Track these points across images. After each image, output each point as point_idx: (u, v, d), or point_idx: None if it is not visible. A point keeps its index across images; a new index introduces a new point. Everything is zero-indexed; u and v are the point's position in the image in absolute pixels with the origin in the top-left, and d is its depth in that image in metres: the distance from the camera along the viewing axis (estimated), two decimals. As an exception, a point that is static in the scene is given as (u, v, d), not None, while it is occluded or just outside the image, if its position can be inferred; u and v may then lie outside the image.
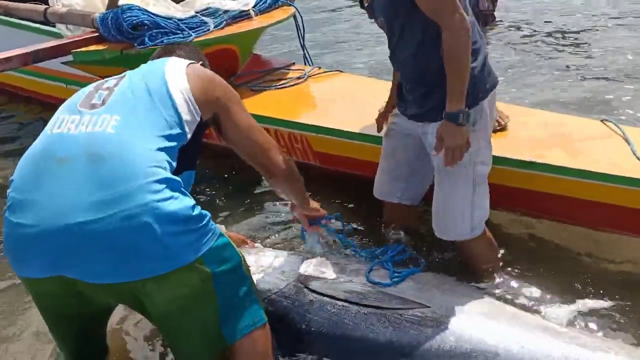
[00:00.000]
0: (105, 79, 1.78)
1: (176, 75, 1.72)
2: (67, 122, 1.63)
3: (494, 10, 2.49)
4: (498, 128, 2.62)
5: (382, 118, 2.49)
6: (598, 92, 4.21)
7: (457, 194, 2.14)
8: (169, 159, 1.59)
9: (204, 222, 1.56)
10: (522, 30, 5.83)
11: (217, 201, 3.06)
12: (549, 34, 5.70)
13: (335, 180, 2.98)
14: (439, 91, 1.99)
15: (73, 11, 3.48)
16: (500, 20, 5.96)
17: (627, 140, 2.49)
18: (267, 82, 3.58)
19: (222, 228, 1.96)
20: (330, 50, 5.61)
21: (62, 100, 1.79)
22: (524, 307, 2.09)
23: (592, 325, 2.04)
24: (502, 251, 2.39)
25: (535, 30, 5.82)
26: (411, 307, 1.86)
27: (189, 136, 1.66)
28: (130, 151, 1.55)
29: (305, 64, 4.07)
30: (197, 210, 1.56)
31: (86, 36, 3.30)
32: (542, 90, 4.37)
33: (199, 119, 1.71)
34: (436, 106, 2.02)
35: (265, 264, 2.03)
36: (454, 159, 2.01)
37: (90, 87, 1.75)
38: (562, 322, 2.01)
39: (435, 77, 1.98)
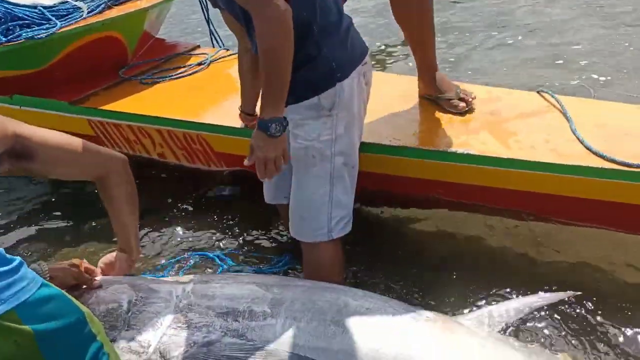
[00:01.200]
0: None
1: None
2: None
3: None
4: (466, 109, 2.26)
5: (244, 118, 2.39)
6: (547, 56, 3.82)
7: (312, 190, 1.86)
8: None
9: (9, 267, 1.23)
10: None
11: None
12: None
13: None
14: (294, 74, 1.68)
15: None
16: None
17: (565, 115, 2.14)
18: (163, 72, 3.10)
19: (42, 266, 1.58)
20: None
21: None
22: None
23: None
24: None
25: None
26: None
27: None
28: None
29: (213, 45, 3.60)
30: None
31: None
32: (479, 56, 4.01)
33: None
34: (293, 88, 1.71)
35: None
36: (268, 173, 1.73)
37: None
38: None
39: None
